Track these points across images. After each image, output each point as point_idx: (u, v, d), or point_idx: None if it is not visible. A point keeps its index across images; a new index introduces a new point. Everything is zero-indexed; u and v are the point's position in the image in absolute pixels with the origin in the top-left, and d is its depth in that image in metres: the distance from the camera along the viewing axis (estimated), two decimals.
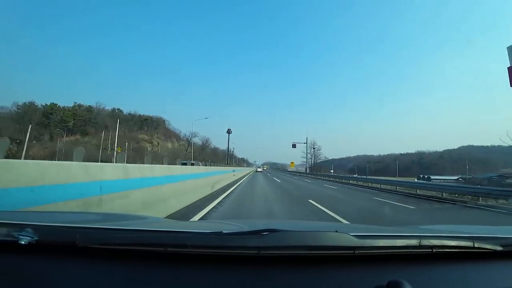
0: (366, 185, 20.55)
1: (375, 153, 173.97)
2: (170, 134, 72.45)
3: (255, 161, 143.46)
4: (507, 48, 10.63)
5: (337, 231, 0.81)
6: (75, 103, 74.93)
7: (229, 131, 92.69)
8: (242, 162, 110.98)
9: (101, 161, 23.37)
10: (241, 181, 17.87)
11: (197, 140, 71.74)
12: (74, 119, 71.37)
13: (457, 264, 0.86)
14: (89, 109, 76.87)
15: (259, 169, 61.69)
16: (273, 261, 0.78)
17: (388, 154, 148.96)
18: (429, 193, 13.48)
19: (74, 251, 0.78)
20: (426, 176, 63.41)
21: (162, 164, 7.12)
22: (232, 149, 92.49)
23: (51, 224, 0.93)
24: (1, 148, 2.53)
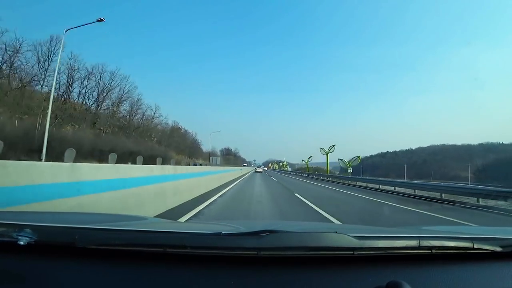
0: None
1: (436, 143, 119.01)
2: None
3: (254, 160, 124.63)
4: None
5: (336, 232, 0.81)
6: None
7: None
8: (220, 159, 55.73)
9: None
10: None
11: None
12: None
13: (456, 265, 0.86)
14: None
15: (258, 169, 51.01)
16: (273, 262, 0.78)
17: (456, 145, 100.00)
18: None
19: (73, 251, 0.78)
20: None
21: None
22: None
23: (50, 224, 0.93)
24: None
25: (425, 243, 0.84)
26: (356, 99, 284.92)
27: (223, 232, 0.83)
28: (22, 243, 0.75)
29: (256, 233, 0.80)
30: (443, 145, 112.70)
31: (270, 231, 0.78)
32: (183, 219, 4.94)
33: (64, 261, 0.78)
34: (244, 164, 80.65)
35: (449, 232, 1.18)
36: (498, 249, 0.89)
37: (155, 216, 4.37)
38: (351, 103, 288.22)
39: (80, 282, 0.70)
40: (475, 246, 0.87)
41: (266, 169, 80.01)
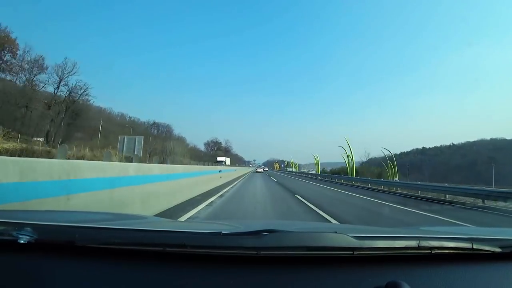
0: None
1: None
2: None
3: (254, 160, 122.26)
4: None
5: (336, 232, 0.82)
6: None
7: None
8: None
9: None
10: None
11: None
12: None
13: (456, 266, 0.86)
14: None
15: (259, 170, 50.89)
16: (272, 262, 0.78)
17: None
18: None
19: (73, 250, 0.78)
20: None
21: None
22: None
23: (50, 223, 0.93)
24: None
25: (424, 243, 0.84)
26: (363, 96, 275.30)
27: (222, 232, 0.83)
28: (22, 241, 0.75)
29: (256, 233, 0.80)
30: (495, 139, 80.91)
31: (270, 231, 0.78)
32: (182, 218, 4.98)
33: (64, 259, 0.78)
34: (220, 160, 49.22)
35: (448, 233, 1.18)
36: (497, 250, 0.89)
37: None
38: (357, 101, 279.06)
39: (80, 281, 0.71)
40: (475, 246, 0.87)
41: (267, 169, 72.64)
